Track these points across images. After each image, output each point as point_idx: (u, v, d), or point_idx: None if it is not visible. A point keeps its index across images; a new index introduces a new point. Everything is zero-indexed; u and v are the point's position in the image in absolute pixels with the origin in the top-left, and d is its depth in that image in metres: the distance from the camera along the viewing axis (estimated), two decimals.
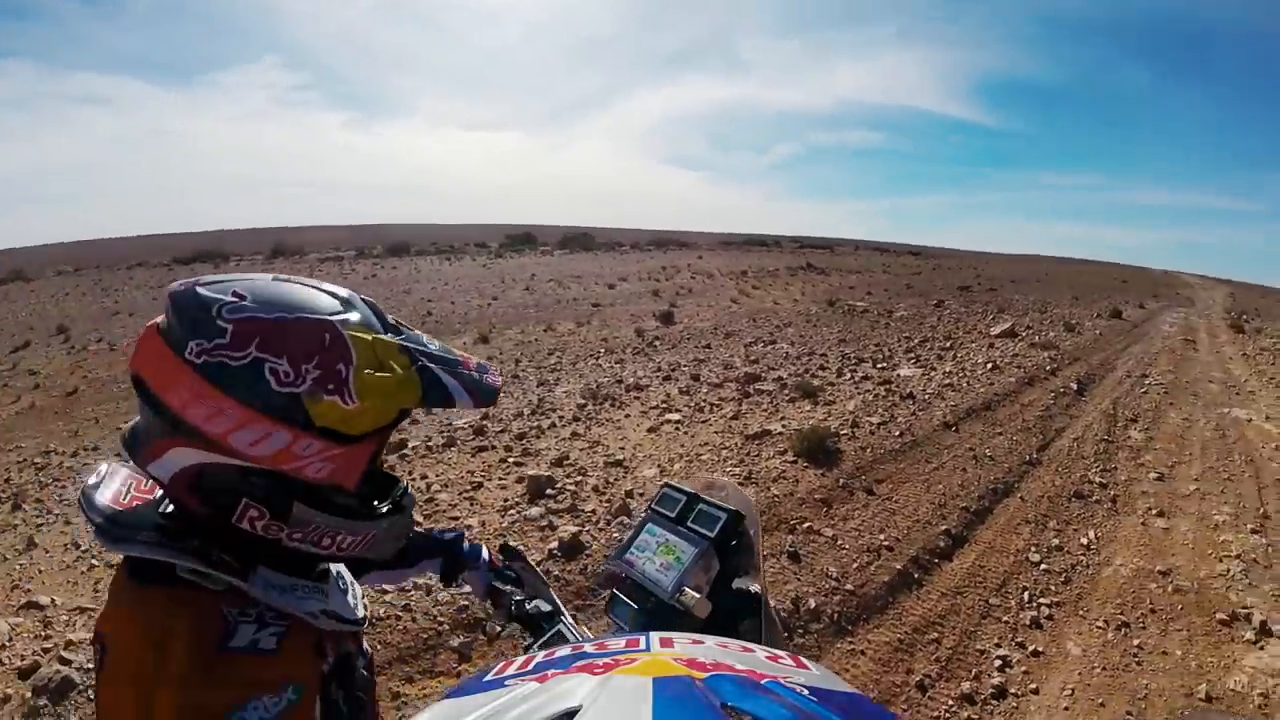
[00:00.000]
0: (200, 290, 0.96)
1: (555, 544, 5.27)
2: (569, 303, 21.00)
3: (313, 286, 1.04)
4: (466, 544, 1.85)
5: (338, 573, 1.25)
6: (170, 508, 1.07)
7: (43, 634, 4.47)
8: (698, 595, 1.51)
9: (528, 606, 1.76)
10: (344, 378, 0.95)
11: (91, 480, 1.12)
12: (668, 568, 1.61)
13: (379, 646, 4.11)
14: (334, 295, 1.03)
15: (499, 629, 4.24)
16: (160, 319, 0.97)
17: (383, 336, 1.02)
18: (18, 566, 5.45)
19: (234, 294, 0.95)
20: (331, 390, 0.94)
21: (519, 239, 54.97)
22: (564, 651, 0.70)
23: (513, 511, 5.92)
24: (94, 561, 5.39)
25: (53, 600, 4.85)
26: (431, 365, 1.04)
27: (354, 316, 1.01)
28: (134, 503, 1.10)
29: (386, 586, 4.43)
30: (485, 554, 1.87)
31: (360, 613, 1.23)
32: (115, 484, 1.12)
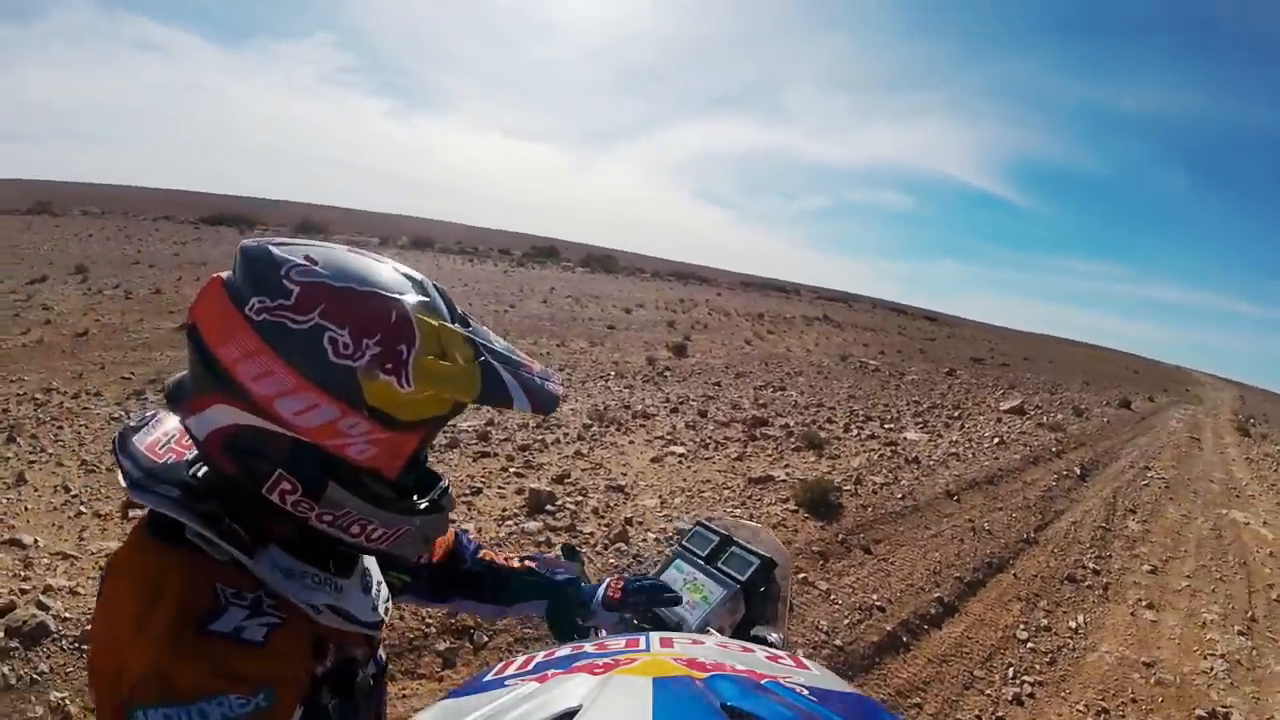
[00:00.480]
0: (273, 249, 0.93)
1: (549, 553, 5.28)
2: (585, 321, 21.02)
3: (388, 264, 1.01)
4: (582, 588, 1.68)
5: (365, 569, 1.19)
6: (204, 469, 1.03)
7: (21, 574, 4.42)
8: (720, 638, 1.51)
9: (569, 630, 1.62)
10: (404, 359, 0.91)
11: (133, 422, 1.10)
12: (694, 606, 1.62)
13: None
14: (408, 276, 1.00)
15: (486, 639, 4.28)
16: (226, 273, 0.94)
17: (449, 325, 0.98)
18: (4, 500, 5.40)
19: (306, 258, 0.93)
20: (389, 370, 0.90)
21: (542, 251, 55.12)
22: (564, 651, 0.70)
23: (510, 523, 5.94)
24: (81, 509, 5.39)
25: (35, 541, 4.81)
26: (495, 362, 1.00)
27: (424, 299, 0.97)
28: (170, 455, 1.05)
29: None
30: (601, 594, 1.66)
31: (377, 615, 1.16)
32: (156, 433, 1.09)
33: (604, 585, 1.68)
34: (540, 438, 8.46)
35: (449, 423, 1.11)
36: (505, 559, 1.69)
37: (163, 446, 1.07)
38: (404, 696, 3.86)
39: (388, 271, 0.98)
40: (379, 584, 1.23)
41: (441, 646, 4.26)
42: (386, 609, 1.21)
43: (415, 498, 1.09)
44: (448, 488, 1.16)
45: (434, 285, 1.03)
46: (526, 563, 1.69)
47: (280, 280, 0.89)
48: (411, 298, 0.95)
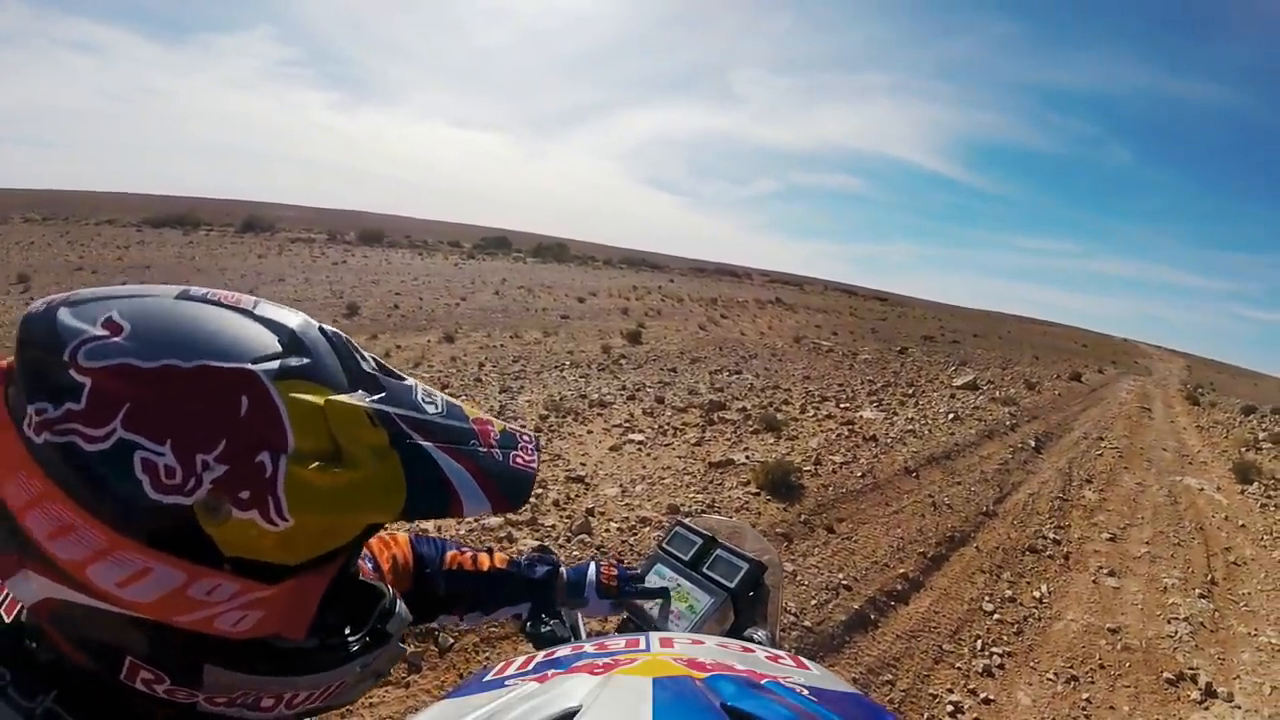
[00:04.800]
0: (63, 315, 0.60)
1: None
2: (538, 312, 20.92)
3: (238, 310, 0.66)
4: (565, 574, 1.49)
5: None
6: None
7: None
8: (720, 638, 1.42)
9: (544, 628, 1.44)
10: (269, 477, 0.60)
11: None
12: (679, 616, 1.51)
13: None
14: (273, 325, 0.66)
15: (451, 641, 4.17)
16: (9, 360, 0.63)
17: (342, 398, 0.65)
18: None
19: (106, 322, 0.60)
20: (247, 500, 0.59)
21: (493, 242, 54.98)
22: (564, 651, 0.67)
23: (470, 519, 5.81)
24: None
25: None
26: (425, 443, 0.68)
27: (297, 362, 0.64)
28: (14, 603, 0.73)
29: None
30: (593, 576, 1.50)
31: None
32: None
33: (593, 568, 1.52)
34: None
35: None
36: (476, 559, 1.44)
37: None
38: (371, 705, 3.73)
39: (238, 325, 0.65)
40: None
41: (407, 650, 4.14)
42: None
43: (348, 632, 0.79)
44: (394, 603, 0.85)
45: (320, 331, 0.70)
46: (499, 559, 1.47)
47: (65, 370, 0.58)
48: (273, 364, 0.63)
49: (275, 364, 0.62)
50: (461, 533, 5.50)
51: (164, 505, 0.57)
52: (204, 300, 0.66)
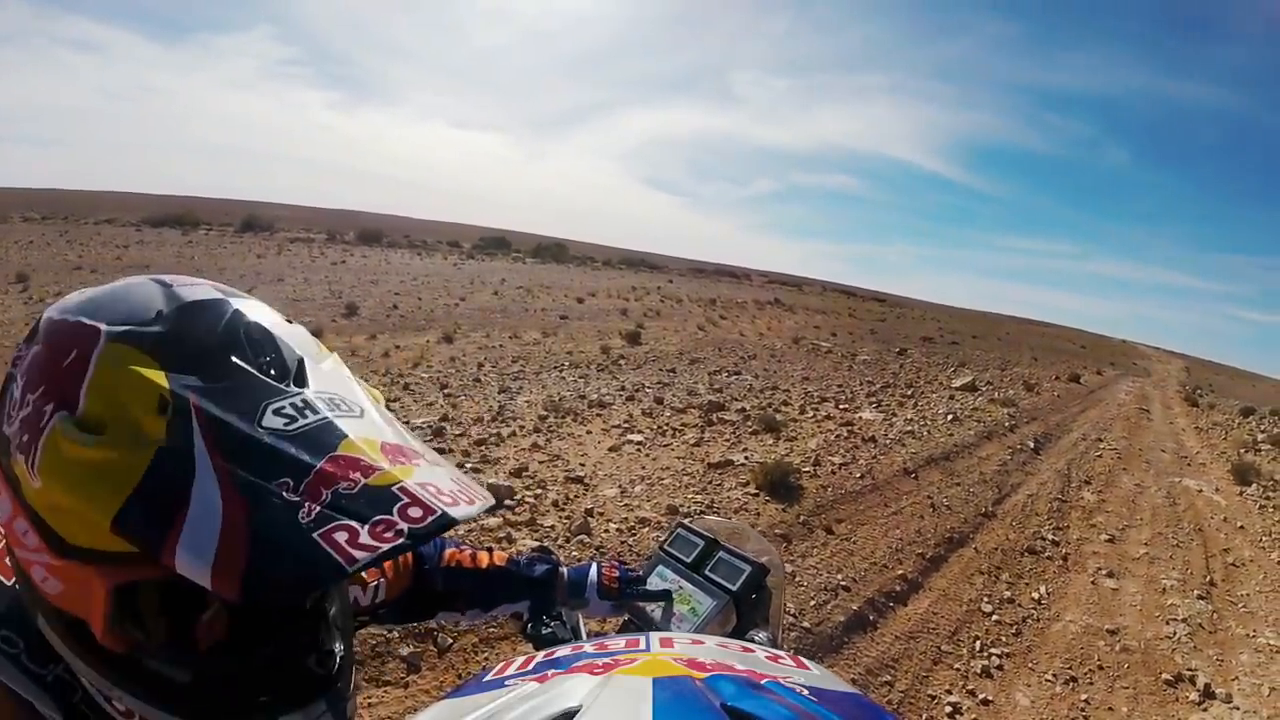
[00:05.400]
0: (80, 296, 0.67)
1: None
2: (537, 312, 20.90)
3: (160, 283, 0.67)
4: (566, 573, 1.48)
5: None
6: None
7: None
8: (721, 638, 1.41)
9: (544, 630, 1.44)
10: (40, 426, 0.57)
11: None
12: (681, 618, 1.51)
13: None
14: (170, 298, 0.65)
15: (450, 641, 4.16)
16: None
17: (151, 372, 0.58)
18: None
19: (80, 291, 0.67)
20: (21, 445, 0.58)
21: (492, 242, 54.98)
22: (564, 651, 0.67)
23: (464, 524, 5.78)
24: None
25: None
26: (203, 455, 0.56)
27: (147, 331, 0.61)
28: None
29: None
30: (594, 576, 1.48)
31: None
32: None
33: (594, 569, 1.51)
34: (496, 431, 8.31)
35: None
36: (475, 556, 1.43)
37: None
38: (370, 705, 3.73)
39: (137, 292, 0.65)
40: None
41: (405, 652, 4.11)
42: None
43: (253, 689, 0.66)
44: (337, 665, 0.72)
45: (232, 313, 0.66)
46: (499, 556, 1.46)
47: (39, 320, 0.65)
48: (121, 328, 0.60)
49: (124, 327, 0.60)
50: (461, 532, 5.49)
51: (3, 433, 0.61)
52: (156, 280, 0.68)
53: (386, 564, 1.17)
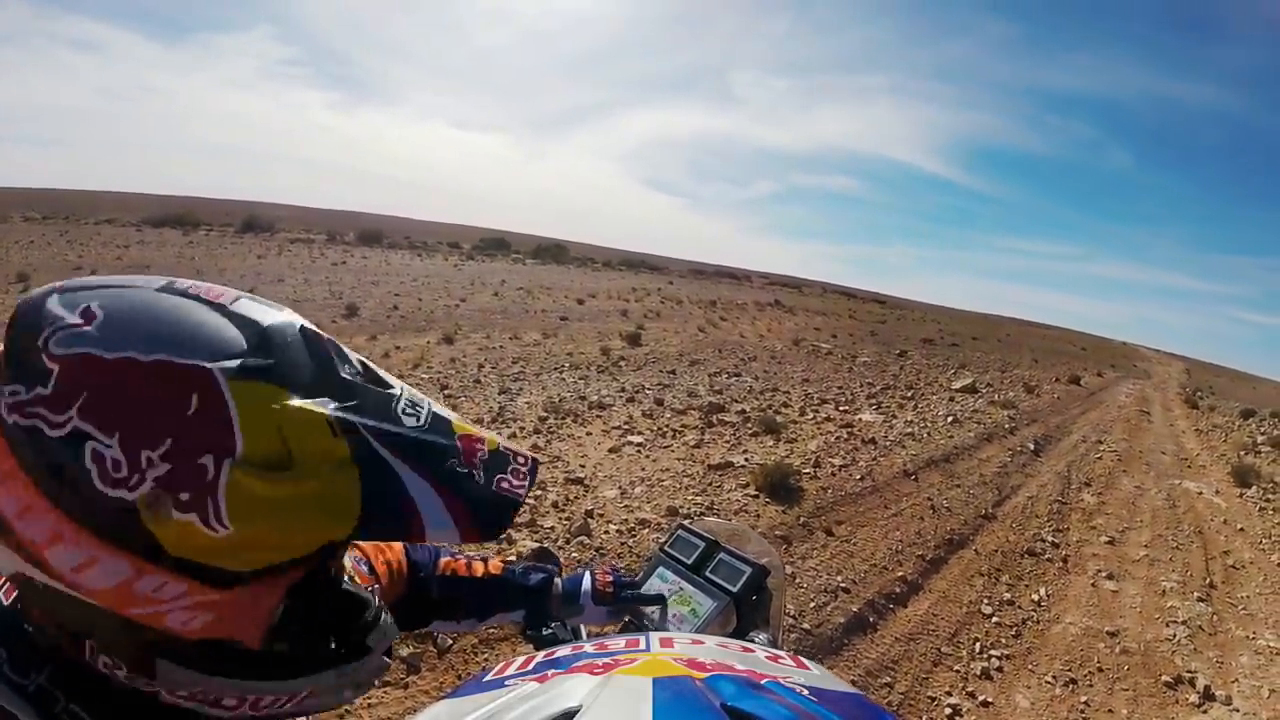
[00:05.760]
0: (51, 301, 0.61)
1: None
2: (537, 313, 20.90)
3: (214, 304, 0.64)
4: (560, 584, 1.48)
5: None
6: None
7: None
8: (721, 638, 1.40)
9: (544, 631, 1.45)
10: (210, 480, 0.57)
11: None
12: (681, 620, 1.50)
13: None
14: (242, 321, 0.63)
15: (450, 642, 4.16)
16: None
17: (303, 402, 0.61)
18: None
19: (84, 311, 0.59)
20: (187, 502, 0.57)
21: (492, 243, 55.01)
22: (564, 651, 0.68)
23: None
24: None
25: None
26: (392, 459, 0.64)
27: (258, 362, 0.61)
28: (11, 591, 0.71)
29: None
30: (588, 584, 1.50)
31: None
32: None
33: (588, 576, 1.51)
34: (496, 432, 8.31)
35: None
36: (470, 565, 1.42)
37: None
38: (369, 706, 3.72)
39: (204, 320, 0.62)
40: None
41: (405, 652, 4.11)
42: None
43: (321, 641, 0.73)
44: (377, 616, 0.79)
45: (301, 332, 0.67)
46: (494, 565, 1.45)
47: (39, 355, 0.57)
48: (232, 362, 0.59)
49: (235, 362, 0.59)
50: None
51: (109, 498, 0.56)
52: (183, 294, 0.64)
53: (380, 570, 1.19)
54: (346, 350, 0.70)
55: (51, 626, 0.65)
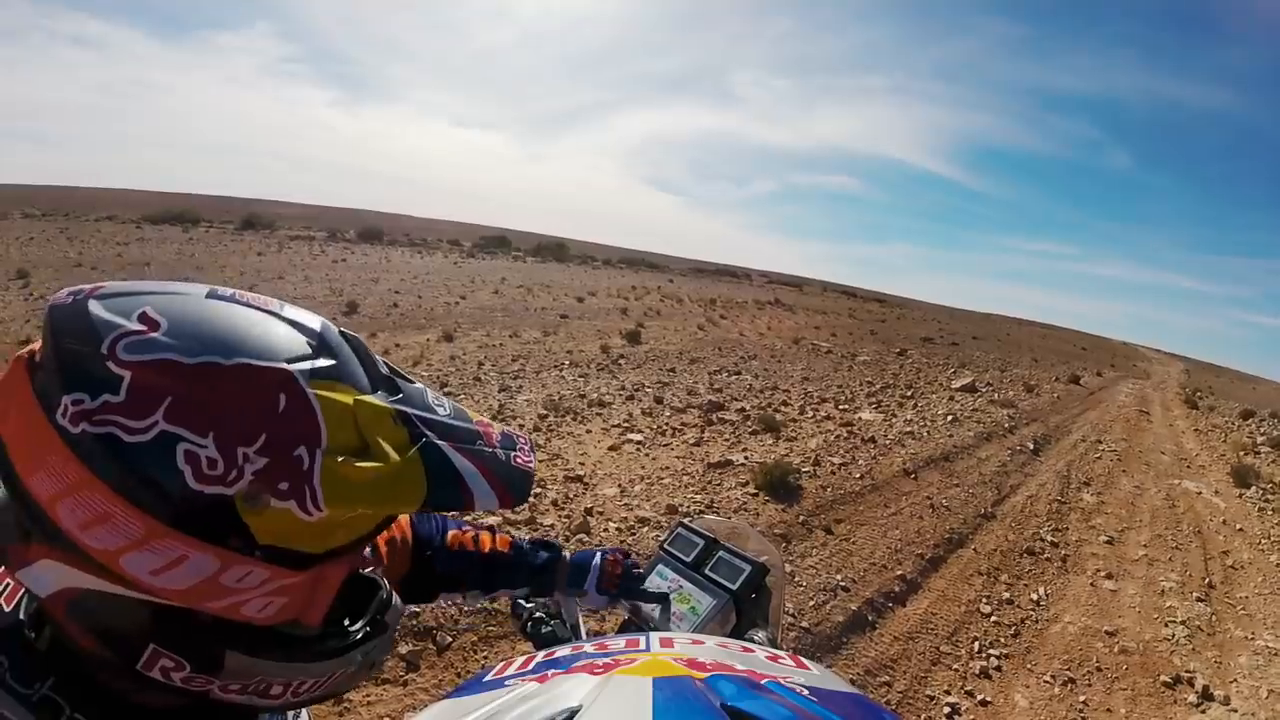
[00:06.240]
0: (94, 308, 0.61)
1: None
2: (537, 311, 20.92)
3: (266, 311, 0.68)
4: (569, 558, 1.50)
5: None
6: (48, 626, 0.72)
7: None
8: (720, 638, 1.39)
9: (544, 629, 1.49)
10: (306, 469, 0.62)
11: None
12: (681, 617, 1.50)
13: None
14: (300, 327, 0.68)
15: (449, 640, 4.16)
16: (36, 345, 0.63)
17: (369, 398, 0.68)
18: None
19: (142, 317, 0.61)
20: (286, 491, 0.61)
21: (493, 241, 55.06)
22: (564, 651, 0.68)
23: (469, 518, 5.77)
24: None
25: None
26: (441, 442, 0.71)
27: (326, 363, 0.67)
28: (14, 592, 0.74)
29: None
30: (597, 563, 1.50)
31: None
32: None
33: (599, 556, 1.51)
34: None
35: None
36: (478, 538, 1.45)
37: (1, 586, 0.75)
38: (369, 703, 3.72)
39: (268, 326, 0.66)
40: None
41: (404, 650, 4.11)
42: None
43: (348, 623, 0.79)
44: (389, 594, 0.85)
45: (340, 334, 0.72)
46: (502, 539, 1.47)
47: (102, 361, 0.58)
48: (305, 364, 0.65)
49: (308, 365, 0.65)
50: (465, 519, 5.47)
51: (205, 495, 0.59)
52: (232, 300, 0.68)
53: (383, 549, 1.20)
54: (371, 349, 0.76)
55: (94, 638, 0.65)
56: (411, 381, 0.76)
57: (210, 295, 0.67)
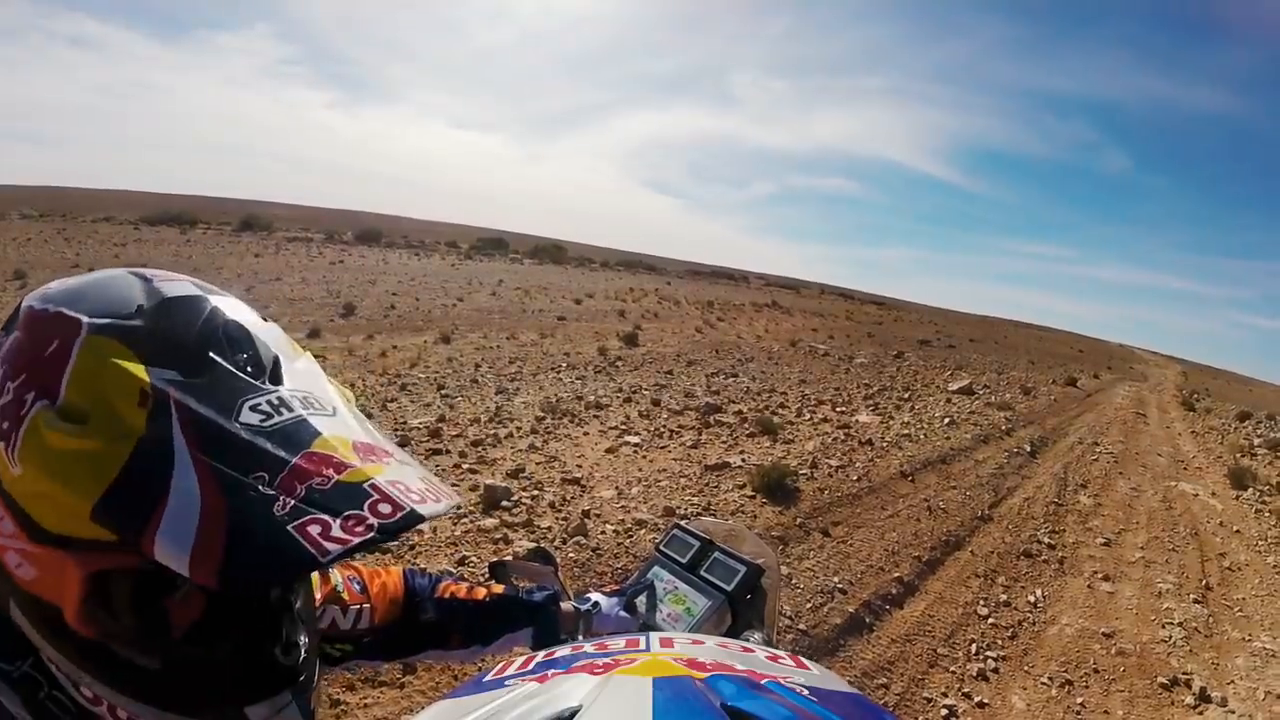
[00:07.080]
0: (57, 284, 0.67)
1: (510, 559, 5.16)
2: (534, 313, 20.92)
3: (144, 279, 0.68)
4: (568, 599, 1.43)
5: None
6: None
7: None
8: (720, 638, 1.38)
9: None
10: (21, 414, 0.58)
11: None
12: (676, 619, 1.51)
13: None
14: (150, 293, 0.66)
15: None
16: None
17: (132, 365, 0.59)
18: None
19: (60, 283, 0.67)
20: (5, 430, 0.58)
21: (490, 243, 55.07)
22: (564, 651, 0.66)
23: (466, 520, 5.77)
24: None
25: None
26: (187, 446, 0.57)
27: (127, 324, 0.62)
28: None
29: None
30: (594, 594, 1.48)
31: None
32: None
33: (594, 592, 1.48)
34: (493, 432, 8.31)
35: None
36: (472, 590, 1.35)
37: None
38: (365, 706, 3.71)
39: (119, 288, 0.65)
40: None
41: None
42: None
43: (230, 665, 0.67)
44: (301, 653, 0.72)
45: (213, 312, 0.67)
46: (496, 588, 1.39)
47: (17, 311, 0.65)
48: (103, 319, 0.61)
49: (105, 320, 0.61)
50: (459, 534, 5.48)
51: None
52: (134, 272, 0.69)
53: (373, 591, 1.17)
54: (263, 342, 0.68)
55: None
56: (268, 383, 0.65)
57: (133, 272, 0.69)
